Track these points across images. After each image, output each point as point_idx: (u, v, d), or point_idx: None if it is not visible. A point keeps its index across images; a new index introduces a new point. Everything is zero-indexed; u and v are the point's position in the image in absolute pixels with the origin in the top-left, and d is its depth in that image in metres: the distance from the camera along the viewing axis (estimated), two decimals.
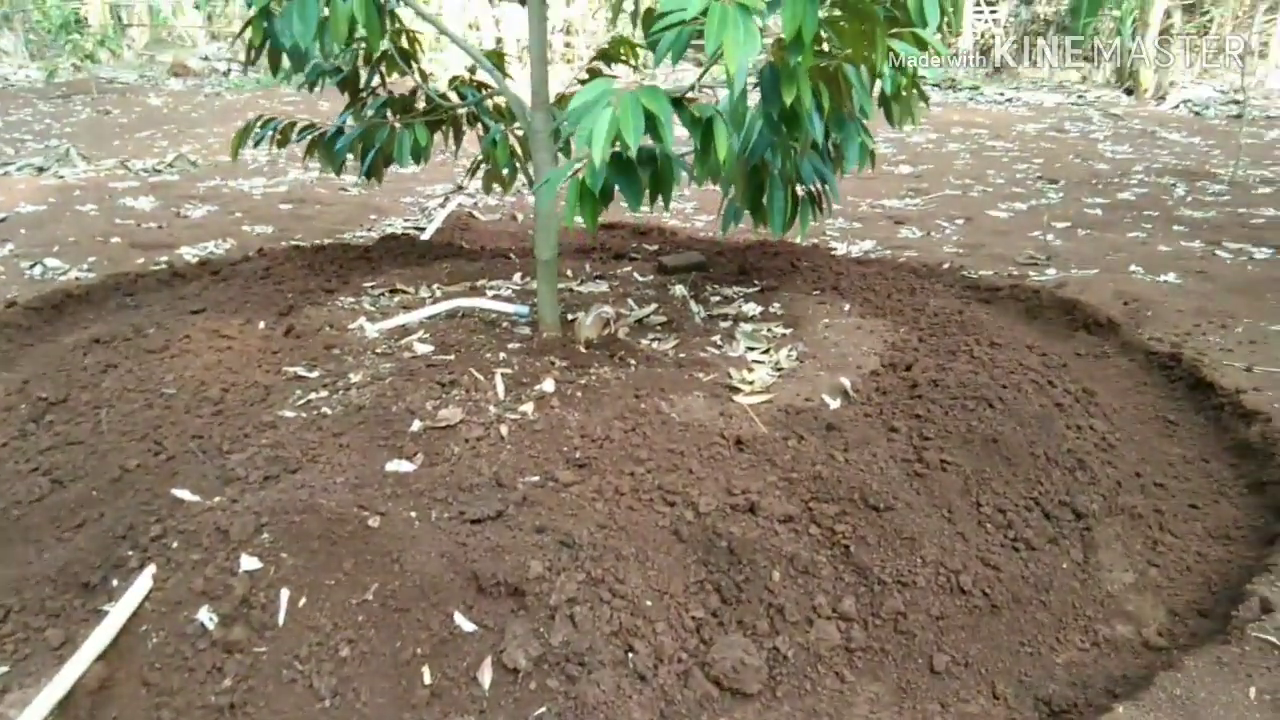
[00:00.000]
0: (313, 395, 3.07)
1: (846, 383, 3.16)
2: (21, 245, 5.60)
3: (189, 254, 5.51)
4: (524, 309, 3.82)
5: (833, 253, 5.15)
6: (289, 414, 2.95)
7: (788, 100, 2.64)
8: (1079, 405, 3.19)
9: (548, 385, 3.06)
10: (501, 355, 3.30)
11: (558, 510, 2.46)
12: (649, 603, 2.24)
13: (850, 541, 2.39)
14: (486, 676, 2.09)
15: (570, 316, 3.87)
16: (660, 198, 2.99)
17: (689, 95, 2.88)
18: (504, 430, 2.80)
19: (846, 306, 3.95)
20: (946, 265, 5.44)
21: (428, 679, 2.10)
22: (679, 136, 2.97)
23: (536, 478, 2.60)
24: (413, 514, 2.42)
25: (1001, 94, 15.59)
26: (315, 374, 3.22)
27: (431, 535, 2.33)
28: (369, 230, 6.16)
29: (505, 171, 4.50)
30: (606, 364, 3.32)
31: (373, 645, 2.14)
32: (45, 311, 4.52)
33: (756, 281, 4.40)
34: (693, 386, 3.12)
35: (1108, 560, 2.62)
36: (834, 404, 3.04)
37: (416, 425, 2.83)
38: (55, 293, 4.65)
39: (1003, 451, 2.72)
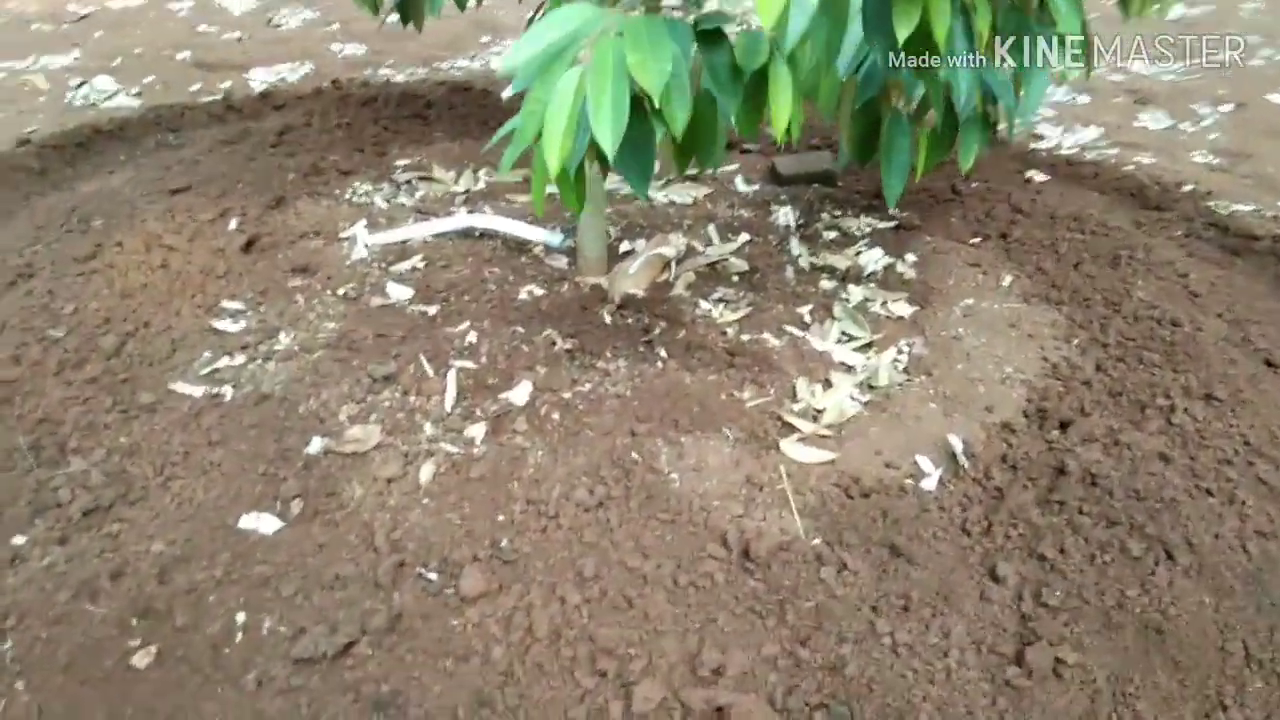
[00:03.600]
0: (224, 361, 2.32)
1: (958, 443, 2.11)
2: (87, 53, 5.03)
3: (258, 79, 4.78)
4: (556, 238, 2.88)
5: (1027, 175, 3.78)
6: (182, 389, 2.23)
7: (901, 33, 1.51)
8: None
9: (519, 394, 2.18)
10: (485, 323, 2.42)
11: (430, 655, 1.64)
12: None
13: None
14: None
15: (624, 248, 2.92)
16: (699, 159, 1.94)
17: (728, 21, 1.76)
18: (427, 473, 1.98)
19: (1008, 279, 2.78)
20: (1189, 188, 3.97)
21: None
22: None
23: (435, 576, 1.79)
24: (221, 627, 1.67)
25: None
26: (240, 326, 2.46)
27: (223, 691, 1.58)
28: (471, 59, 5.22)
29: None
30: (628, 348, 2.39)
31: None
32: (66, 151, 3.92)
33: (895, 212, 3.23)
34: (728, 415, 2.17)
35: None
36: (927, 481, 2.02)
37: (316, 445, 2.04)
38: (81, 129, 4.05)
39: (1171, 649, 1.66)
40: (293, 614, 1.71)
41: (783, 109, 1.58)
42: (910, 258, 2.93)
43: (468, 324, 2.41)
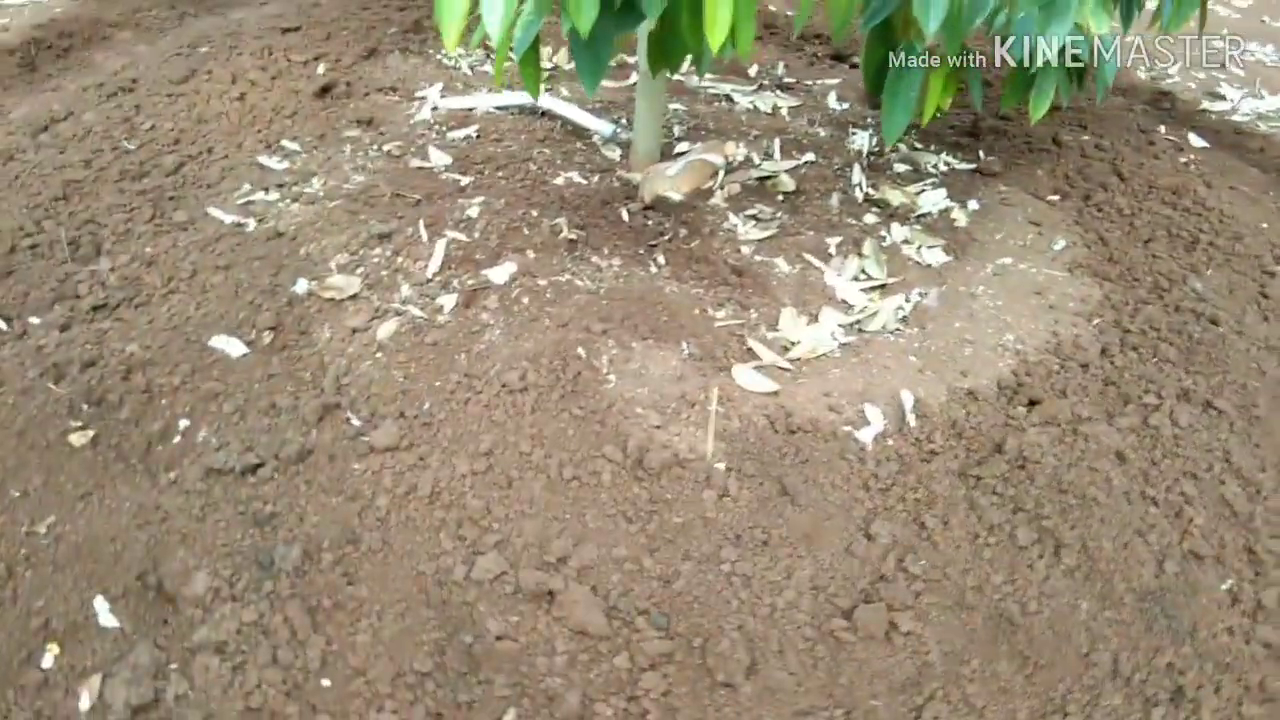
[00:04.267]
0: (258, 196, 2.52)
1: (909, 400, 2.04)
2: None
3: None
4: (608, 128, 2.89)
5: (1153, 132, 3.40)
6: (215, 213, 2.45)
7: None
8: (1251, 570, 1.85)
9: (500, 273, 2.26)
10: (501, 200, 2.49)
11: (323, 490, 1.80)
12: (327, 681, 1.59)
13: (656, 710, 1.54)
14: (85, 701, 1.61)
15: (680, 149, 2.91)
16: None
17: None
18: (387, 330, 2.11)
19: (1061, 244, 2.59)
20: None
21: (47, 662, 1.66)
22: None
23: (359, 421, 1.93)
24: (159, 427, 1.88)
25: None
26: (285, 165, 2.64)
27: (139, 480, 1.79)
28: None
29: None
30: (630, 248, 2.42)
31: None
32: None
33: (982, 154, 3.04)
34: (694, 330, 2.18)
35: None
36: (865, 431, 1.97)
37: (301, 286, 2.21)
38: None
39: (1021, 643, 1.61)
40: (224, 429, 1.90)
41: (719, 17, 1.52)
42: (972, 205, 2.77)
43: (482, 198, 2.49)
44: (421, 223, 2.35)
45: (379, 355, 2.06)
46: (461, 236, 2.33)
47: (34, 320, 2.10)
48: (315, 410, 1.93)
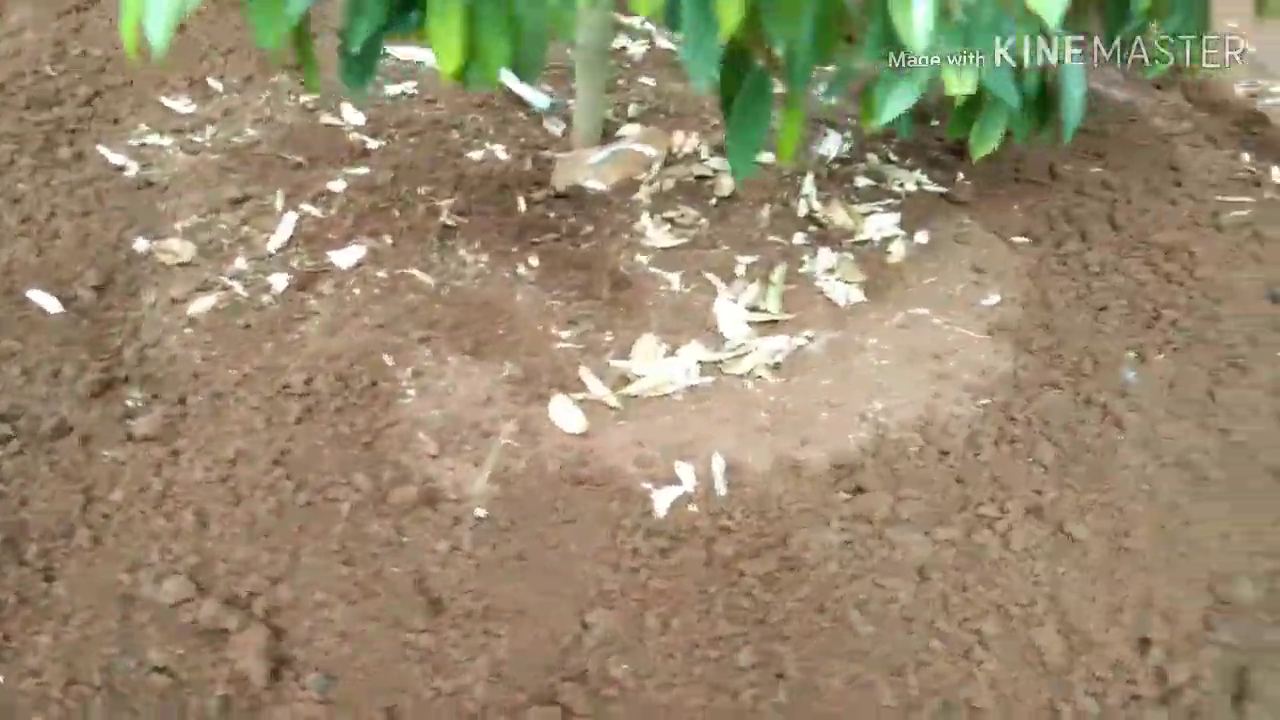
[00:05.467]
0: (151, 139, 2.48)
1: (720, 465, 1.83)
2: None
3: None
4: (543, 100, 2.69)
5: (1193, 171, 2.90)
6: (102, 153, 2.41)
7: None
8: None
9: (345, 258, 2.14)
10: (386, 174, 2.36)
11: (62, 475, 1.74)
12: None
13: None
14: None
15: (622, 132, 2.70)
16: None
17: None
18: (204, 304, 2.03)
19: (994, 299, 2.27)
20: None
21: None
22: None
23: (135, 402, 1.88)
24: None
25: None
26: (192, 108, 2.57)
27: None
28: None
29: None
30: (505, 244, 2.26)
31: None
32: None
33: (960, 176, 2.69)
34: (527, 349, 2.02)
35: None
36: (664, 494, 1.77)
37: (141, 245, 2.15)
38: None
39: None
40: (2, 394, 1.86)
41: (448, 39, 1.31)
42: (921, 237, 2.46)
43: (366, 169, 2.36)
44: (280, 191, 2.23)
45: (187, 331, 1.99)
46: (317, 212, 2.21)
47: None
48: (95, 384, 1.87)
